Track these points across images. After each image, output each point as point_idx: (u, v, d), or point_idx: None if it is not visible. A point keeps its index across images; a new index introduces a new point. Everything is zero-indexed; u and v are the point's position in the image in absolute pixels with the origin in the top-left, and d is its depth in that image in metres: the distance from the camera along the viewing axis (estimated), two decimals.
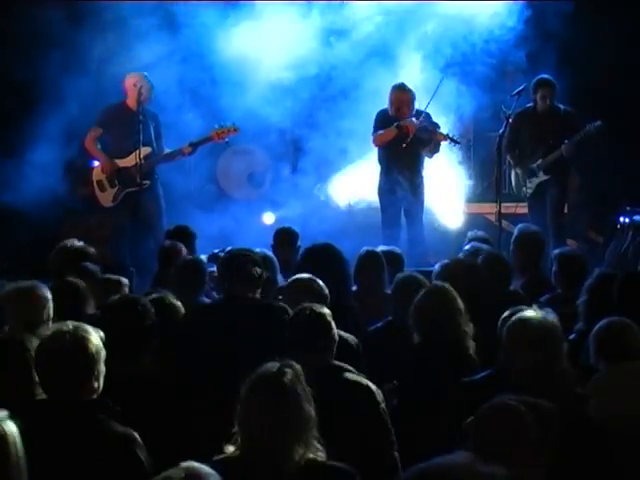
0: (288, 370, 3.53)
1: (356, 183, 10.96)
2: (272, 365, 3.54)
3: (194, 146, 9.54)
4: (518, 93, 9.44)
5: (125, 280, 6.24)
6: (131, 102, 9.49)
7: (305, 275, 5.56)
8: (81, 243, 7.08)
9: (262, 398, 3.48)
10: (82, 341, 3.77)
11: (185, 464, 2.86)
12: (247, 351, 4.53)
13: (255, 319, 5.26)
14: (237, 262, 5.45)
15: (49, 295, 5.09)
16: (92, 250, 7.00)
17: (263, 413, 3.45)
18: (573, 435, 3.70)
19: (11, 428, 3.02)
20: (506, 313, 4.58)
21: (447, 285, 5.31)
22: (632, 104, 10.88)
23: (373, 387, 4.52)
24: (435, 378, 4.88)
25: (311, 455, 3.48)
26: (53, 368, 3.78)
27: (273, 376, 3.51)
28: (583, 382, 4.39)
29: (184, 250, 7.14)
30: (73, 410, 3.75)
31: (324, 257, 6.12)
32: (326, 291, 5.40)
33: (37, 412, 3.75)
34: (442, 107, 10.28)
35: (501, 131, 9.24)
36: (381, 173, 9.88)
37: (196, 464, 2.88)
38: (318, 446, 3.51)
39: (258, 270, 5.43)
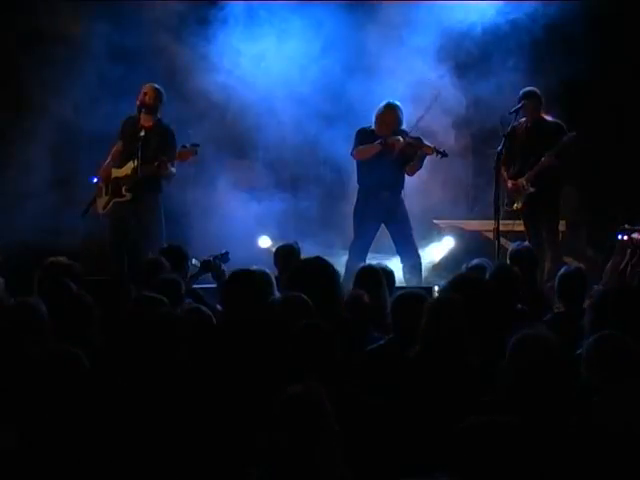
0: (314, 391, 3.54)
1: None
2: (298, 387, 3.56)
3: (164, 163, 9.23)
4: (516, 111, 9.41)
5: None
6: (140, 114, 9.53)
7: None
8: (64, 259, 7.06)
9: (294, 420, 3.46)
10: None
11: None
12: (256, 370, 4.51)
13: (261, 338, 5.19)
14: (242, 281, 5.43)
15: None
16: (77, 266, 6.98)
17: (296, 434, 3.44)
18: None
19: None
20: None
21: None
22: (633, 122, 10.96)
23: (376, 402, 4.51)
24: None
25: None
26: None
27: (303, 397, 3.51)
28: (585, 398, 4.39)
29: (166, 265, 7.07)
30: None
31: (313, 272, 6.05)
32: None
33: None
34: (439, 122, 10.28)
35: (499, 148, 9.19)
36: (359, 195, 9.66)
37: None
38: (345, 468, 3.51)
39: (263, 289, 5.44)
